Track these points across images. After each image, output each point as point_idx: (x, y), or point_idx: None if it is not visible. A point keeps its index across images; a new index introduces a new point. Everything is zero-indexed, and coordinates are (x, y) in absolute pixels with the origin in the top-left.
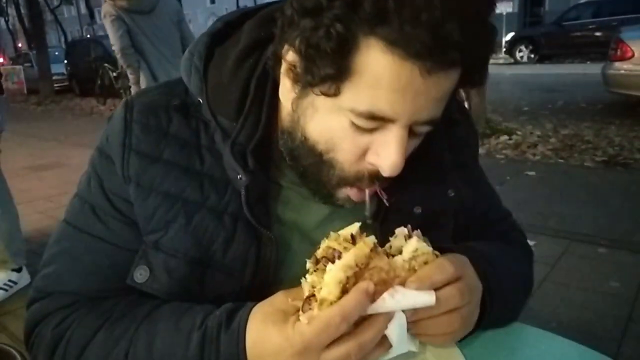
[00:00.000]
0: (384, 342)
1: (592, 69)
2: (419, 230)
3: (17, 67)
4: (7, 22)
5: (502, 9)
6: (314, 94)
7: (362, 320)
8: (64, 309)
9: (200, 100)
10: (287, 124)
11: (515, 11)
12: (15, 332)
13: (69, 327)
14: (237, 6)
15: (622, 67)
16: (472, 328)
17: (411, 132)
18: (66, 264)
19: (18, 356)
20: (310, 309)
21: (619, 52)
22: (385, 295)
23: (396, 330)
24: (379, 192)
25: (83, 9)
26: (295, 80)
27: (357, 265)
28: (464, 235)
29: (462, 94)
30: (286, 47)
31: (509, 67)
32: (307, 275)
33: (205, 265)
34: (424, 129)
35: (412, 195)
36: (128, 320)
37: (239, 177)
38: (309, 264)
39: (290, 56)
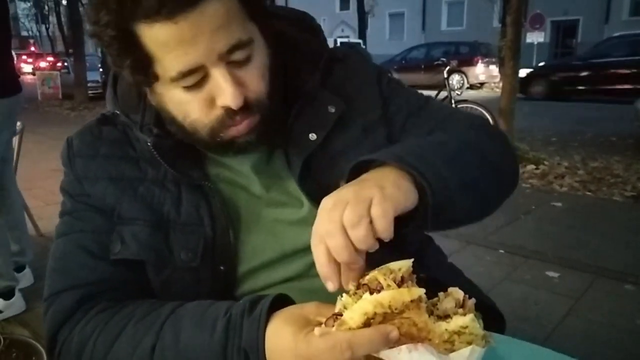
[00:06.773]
0: None
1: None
2: (474, 300)
3: (54, 72)
4: (47, 29)
5: (534, 38)
6: (150, 86)
7: None
8: (79, 306)
9: (117, 112)
10: (164, 118)
11: (547, 41)
12: (36, 329)
13: (95, 328)
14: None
15: None
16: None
17: (233, 63)
18: (63, 266)
19: (43, 351)
20: (333, 325)
21: None
22: (404, 347)
23: None
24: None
25: None
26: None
27: (389, 307)
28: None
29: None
30: None
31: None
32: (344, 295)
33: (165, 227)
34: (240, 54)
35: (301, 124)
36: (152, 318)
37: (148, 143)
38: (351, 285)
39: None
